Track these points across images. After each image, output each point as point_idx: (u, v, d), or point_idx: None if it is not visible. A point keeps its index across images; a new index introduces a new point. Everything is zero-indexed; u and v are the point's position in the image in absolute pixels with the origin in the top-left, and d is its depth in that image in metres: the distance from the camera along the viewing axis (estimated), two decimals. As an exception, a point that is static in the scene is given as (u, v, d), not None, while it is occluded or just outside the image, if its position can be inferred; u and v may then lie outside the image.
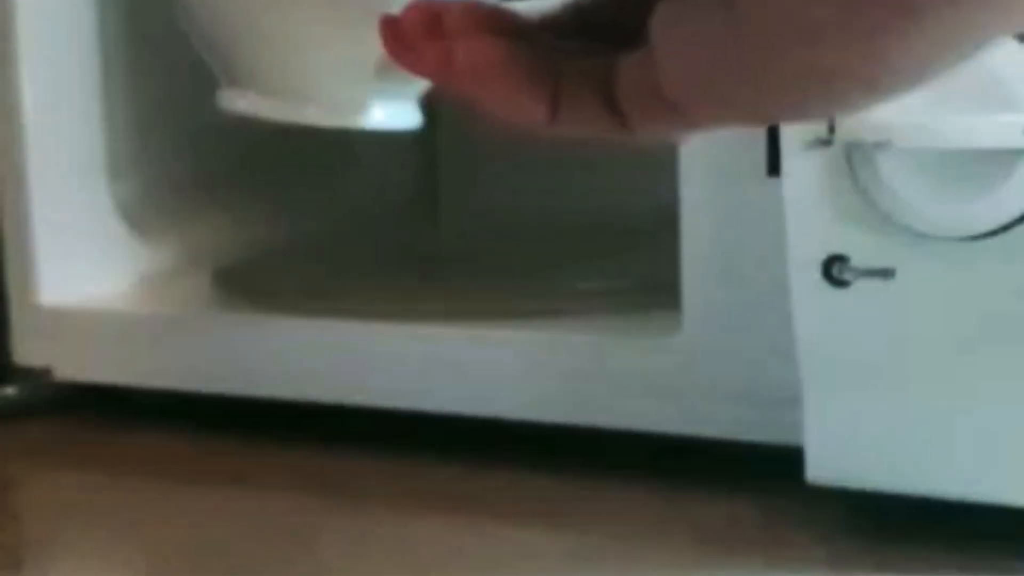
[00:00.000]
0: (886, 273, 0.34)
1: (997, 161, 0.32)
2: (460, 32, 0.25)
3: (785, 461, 0.37)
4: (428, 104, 0.45)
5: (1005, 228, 0.32)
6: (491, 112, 0.25)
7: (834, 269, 0.35)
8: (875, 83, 0.21)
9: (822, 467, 0.36)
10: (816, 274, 0.35)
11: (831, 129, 0.34)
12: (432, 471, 0.45)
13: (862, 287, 0.34)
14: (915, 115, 0.32)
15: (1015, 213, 0.32)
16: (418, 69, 0.26)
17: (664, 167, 0.42)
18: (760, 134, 0.38)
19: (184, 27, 0.42)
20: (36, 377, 0.53)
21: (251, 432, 0.49)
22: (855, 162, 0.34)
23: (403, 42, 0.25)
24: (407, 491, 0.43)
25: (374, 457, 0.46)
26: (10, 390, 0.54)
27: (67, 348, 0.52)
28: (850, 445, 0.35)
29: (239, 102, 0.41)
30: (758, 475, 0.41)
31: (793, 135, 0.35)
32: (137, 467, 0.48)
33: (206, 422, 0.50)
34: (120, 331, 0.52)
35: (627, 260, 0.52)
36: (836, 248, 0.34)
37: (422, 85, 0.40)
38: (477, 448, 0.46)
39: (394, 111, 0.42)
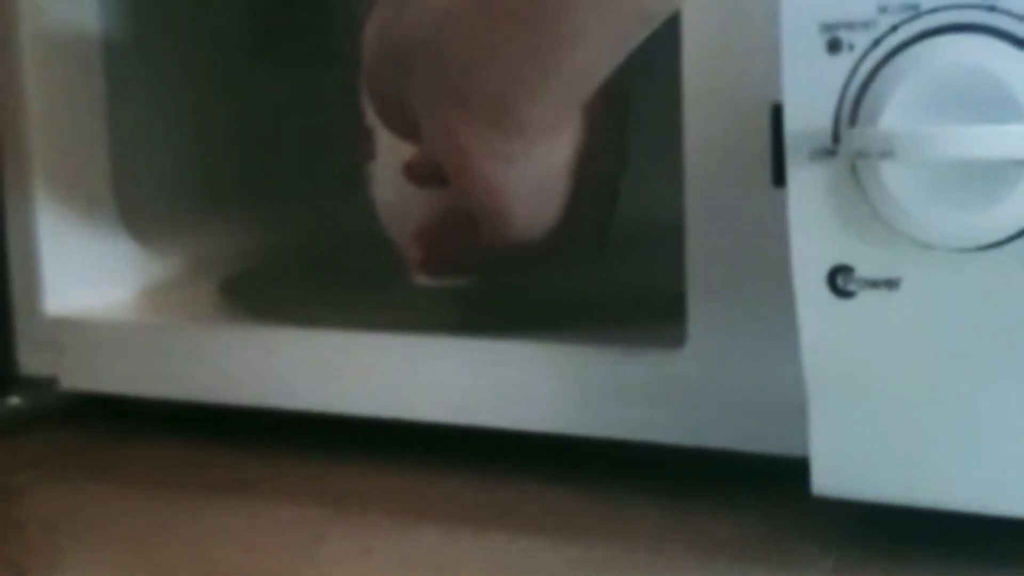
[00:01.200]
0: (891, 284, 0.34)
1: (1003, 171, 0.31)
2: None
3: (791, 472, 0.37)
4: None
5: (1011, 239, 0.32)
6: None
7: (839, 279, 0.35)
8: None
9: (827, 478, 0.36)
10: (821, 284, 0.35)
11: (835, 139, 0.34)
12: (435, 481, 0.45)
13: (867, 297, 0.34)
14: (920, 125, 0.32)
15: (1021, 224, 0.32)
16: None
17: (668, 177, 0.42)
18: (765, 144, 0.37)
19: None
20: (41, 387, 0.53)
21: (256, 443, 0.49)
22: (860, 172, 0.33)
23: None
24: (410, 501, 0.43)
25: (377, 467, 0.46)
26: (15, 400, 0.54)
27: (72, 358, 0.52)
28: (856, 456, 0.35)
29: None
30: (764, 486, 0.41)
31: (797, 145, 0.34)
32: (142, 477, 0.48)
33: (211, 432, 0.50)
34: (125, 341, 0.52)
35: (632, 270, 0.52)
36: (841, 258, 0.34)
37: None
38: (481, 458, 0.46)
39: None
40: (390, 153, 0.48)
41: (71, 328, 0.52)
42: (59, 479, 0.48)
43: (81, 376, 0.53)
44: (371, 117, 0.48)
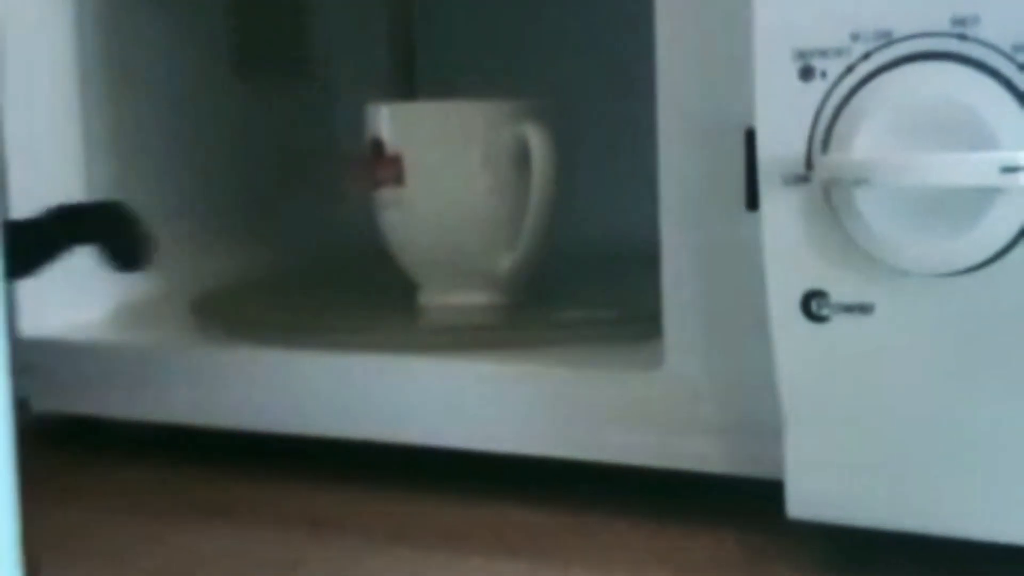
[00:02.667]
0: (865, 308, 0.34)
1: (975, 198, 0.32)
2: None
3: (768, 495, 0.37)
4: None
5: (982, 265, 0.32)
6: None
7: (813, 304, 0.35)
8: None
9: (802, 502, 0.36)
10: (795, 309, 0.35)
11: (808, 165, 0.34)
12: (412, 504, 0.45)
13: (841, 322, 0.34)
14: (893, 153, 0.32)
15: (992, 250, 0.32)
16: None
17: (645, 198, 0.42)
18: (739, 167, 0.38)
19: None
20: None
21: (232, 465, 0.49)
22: (833, 198, 0.34)
23: None
24: (388, 524, 0.43)
25: (355, 490, 0.46)
26: (-14, 423, 0.53)
27: (44, 380, 0.52)
28: (830, 479, 0.35)
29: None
30: (741, 509, 0.41)
31: (771, 171, 0.35)
32: (117, 501, 0.47)
33: (186, 454, 0.50)
34: (98, 362, 0.51)
35: (609, 291, 0.52)
36: (815, 283, 0.35)
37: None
38: (458, 480, 0.46)
39: None
40: (424, 179, 0.50)
41: (43, 349, 0.52)
42: (32, 503, 0.47)
43: (53, 398, 0.52)
44: (396, 143, 0.49)
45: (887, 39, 0.33)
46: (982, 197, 0.32)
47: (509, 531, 0.42)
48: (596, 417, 0.42)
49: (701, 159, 0.39)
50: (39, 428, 0.54)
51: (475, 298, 0.51)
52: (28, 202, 0.53)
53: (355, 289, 0.58)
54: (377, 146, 0.51)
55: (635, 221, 0.46)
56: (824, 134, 0.34)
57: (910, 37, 0.33)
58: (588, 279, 0.56)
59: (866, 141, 0.33)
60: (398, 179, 0.51)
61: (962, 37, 0.32)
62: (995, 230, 0.32)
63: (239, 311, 0.54)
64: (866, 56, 0.33)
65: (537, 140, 0.49)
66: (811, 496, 0.36)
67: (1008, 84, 0.32)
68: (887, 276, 0.34)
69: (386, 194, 0.52)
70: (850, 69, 0.33)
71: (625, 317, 0.47)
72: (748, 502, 0.40)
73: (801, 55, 0.34)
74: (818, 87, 0.34)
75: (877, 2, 0.33)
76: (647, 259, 0.41)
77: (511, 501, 0.44)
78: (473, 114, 0.51)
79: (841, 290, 0.34)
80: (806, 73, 0.34)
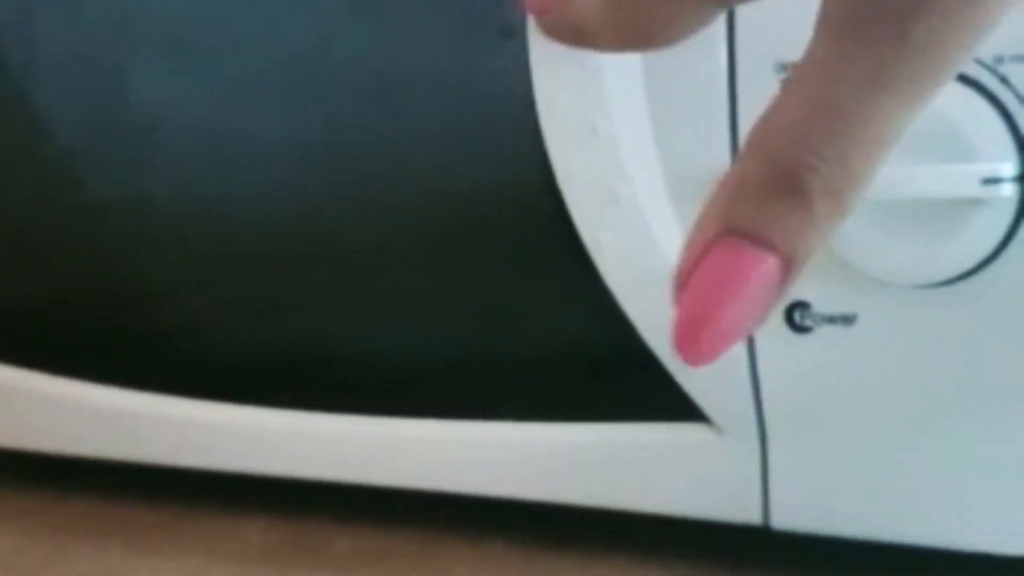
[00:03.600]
0: (847, 319, 0.34)
1: (955, 210, 0.32)
2: None
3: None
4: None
5: (963, 276, 0.32)
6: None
7: (795, 315, 0.35)
8: None
9: (787, 512, 0.36)
10: (778, 319, 0.35)
11: (791, 177, 0.34)
12: (389, 541, 0.43)
13: (824, 333, 0.34)
14: (873, 164, 0.32)
15: (973, 262, 0.32)
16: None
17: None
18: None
19: None
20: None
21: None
22: (815, 209, 0.34)
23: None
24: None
25: (341, 525, 0.45)
26: None
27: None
28: (814, 490, 0.36)
29: None
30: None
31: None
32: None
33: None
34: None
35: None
36: (798, 294, 0.35)
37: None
38: (436, 519, 0.44)
39: None
40: None
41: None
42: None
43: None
44: None
45: (868, 51, 0.33)
46: (963, 209, 0.32)
47: (488, 568, 0.41)
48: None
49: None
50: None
51: None
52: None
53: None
54: None
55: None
56: (806, 145, 0.34)
57: (891, 49, 0.33)
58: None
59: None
60: None
61: (942, 49, 0.32)
62: (976, 241, 0.32)
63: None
64: (847, 68, 0.33)
65: None
66: (795, 506, 0.36)
67: (989, 95, 0.32)
68: (869, 287, 0.34)
69: None
70: (831, 81, 0.33)
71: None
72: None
73: (783, 67, 0.34)
74: (800, 99, 0.34)
75: (858, 14, 0.33)
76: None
77: (491, 537, 0.43)
78: None
79: (824, 301, 0.34)
80: (788, 85, 0.34)
